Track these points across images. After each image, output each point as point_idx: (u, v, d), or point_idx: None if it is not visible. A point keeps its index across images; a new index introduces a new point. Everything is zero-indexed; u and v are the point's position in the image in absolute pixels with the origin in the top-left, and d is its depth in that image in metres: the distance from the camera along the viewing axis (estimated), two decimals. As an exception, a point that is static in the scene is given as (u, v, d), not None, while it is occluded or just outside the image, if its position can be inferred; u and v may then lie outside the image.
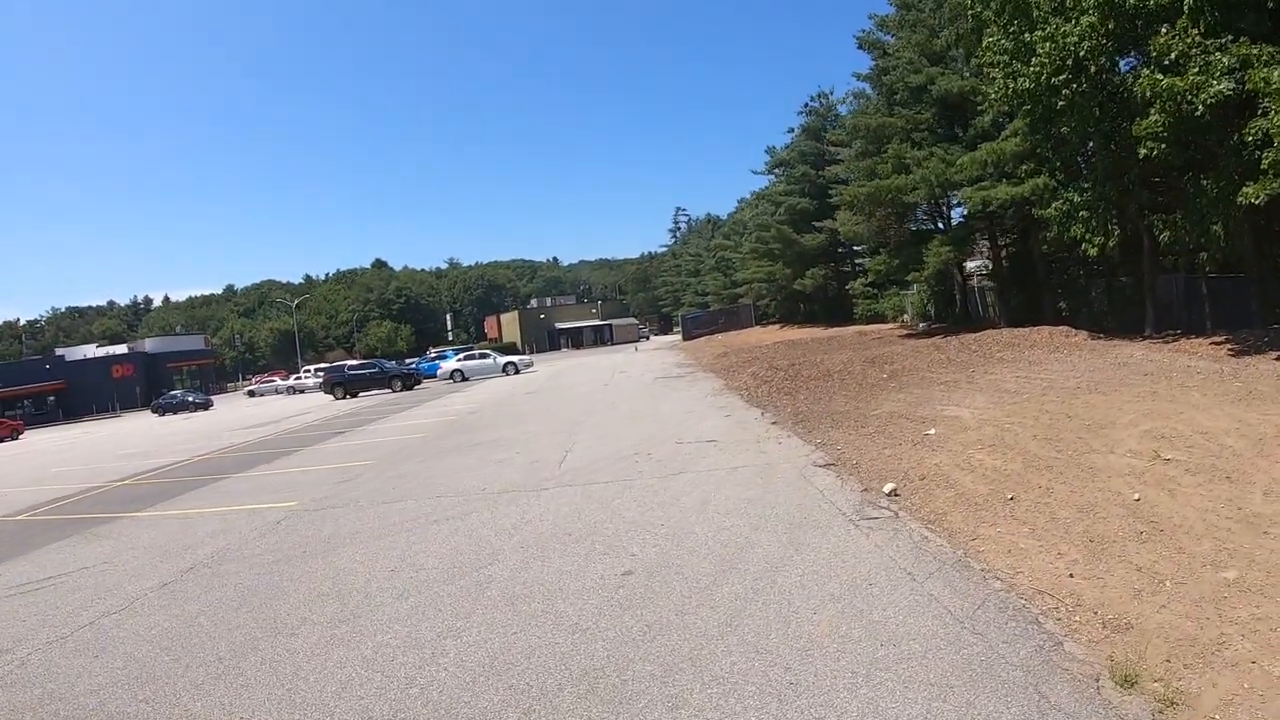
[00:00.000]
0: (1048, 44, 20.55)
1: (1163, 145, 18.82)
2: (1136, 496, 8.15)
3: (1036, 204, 26.52)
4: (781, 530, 8.43)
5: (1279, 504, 7.60)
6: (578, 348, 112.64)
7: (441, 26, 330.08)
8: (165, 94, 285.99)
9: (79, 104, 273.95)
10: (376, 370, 52.67)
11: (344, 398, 49.55)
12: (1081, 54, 20.12)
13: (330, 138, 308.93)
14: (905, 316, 47.33)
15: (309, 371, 78.85)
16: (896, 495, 9.42)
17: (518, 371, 52.69)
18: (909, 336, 35.89)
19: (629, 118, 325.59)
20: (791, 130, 68.57)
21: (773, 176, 71.86)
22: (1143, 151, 19.26)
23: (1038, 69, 20.98)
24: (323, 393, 55.12)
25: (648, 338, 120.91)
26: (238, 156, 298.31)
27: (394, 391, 49.16)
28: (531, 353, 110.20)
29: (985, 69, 25.12)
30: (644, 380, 32.51)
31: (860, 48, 39.59)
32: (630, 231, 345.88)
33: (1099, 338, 24.76)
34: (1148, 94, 18.15)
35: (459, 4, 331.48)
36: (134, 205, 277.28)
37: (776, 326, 70.64)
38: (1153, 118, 18.38)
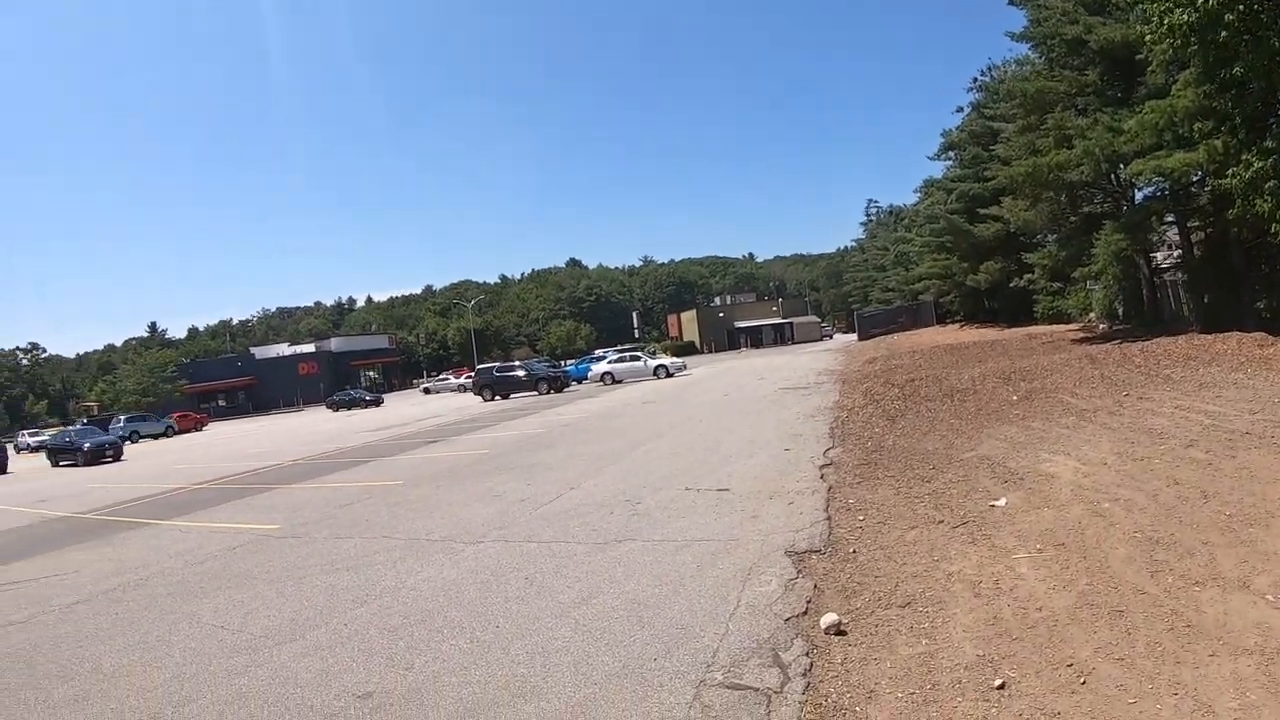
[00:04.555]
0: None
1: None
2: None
3: (1215, 173, 21.01)
4: (595, 680, 5.79)
5: None
6: (756, 347, 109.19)
7: (636, 27, 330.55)
8: (360, 108, 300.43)
9: (295, 113, 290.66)
10: (524, 373, 51.97)
11: (492, 399, 49.62)
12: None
13: (528, 140, 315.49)
14: (1091, 315, 41.32)
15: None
16: (839, 633, 6.12)
17: (669, 375, 50.31)
18: (1082, 341, 30.24)
19: (825, 104, 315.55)
20: (961, 109, 62.61)
21: (946, 161, 65.40)
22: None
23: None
24: (472, 394, 55.56)
25: (831, 336, 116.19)
26: (439, 163, 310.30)
27: (540, 394, 48.61)
28: (711, 351, 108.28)
29: (1143, 4, 19.92)
30: (767, 391, 29.32)
31: (1011, 2, 33.45)
32: (826, 226, 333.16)
33: (1311, 349, 18.96)
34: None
35: (649, 8, 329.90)
36: (342, 211, 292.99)
37: (957, 326, 64.52)
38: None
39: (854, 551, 8.08)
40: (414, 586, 8.94)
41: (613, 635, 6.58)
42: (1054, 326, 42.47)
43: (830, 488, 11.23)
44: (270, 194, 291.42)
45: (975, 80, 56.05)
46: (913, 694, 4.99)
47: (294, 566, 10.65)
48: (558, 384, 50.09)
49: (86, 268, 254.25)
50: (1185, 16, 16.97)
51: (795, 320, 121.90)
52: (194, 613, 8.96)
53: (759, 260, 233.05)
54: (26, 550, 14.93)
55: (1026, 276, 43.92)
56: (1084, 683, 4.84)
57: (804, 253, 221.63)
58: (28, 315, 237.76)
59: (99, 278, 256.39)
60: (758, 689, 5.28)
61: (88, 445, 39.74)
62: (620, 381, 50.54)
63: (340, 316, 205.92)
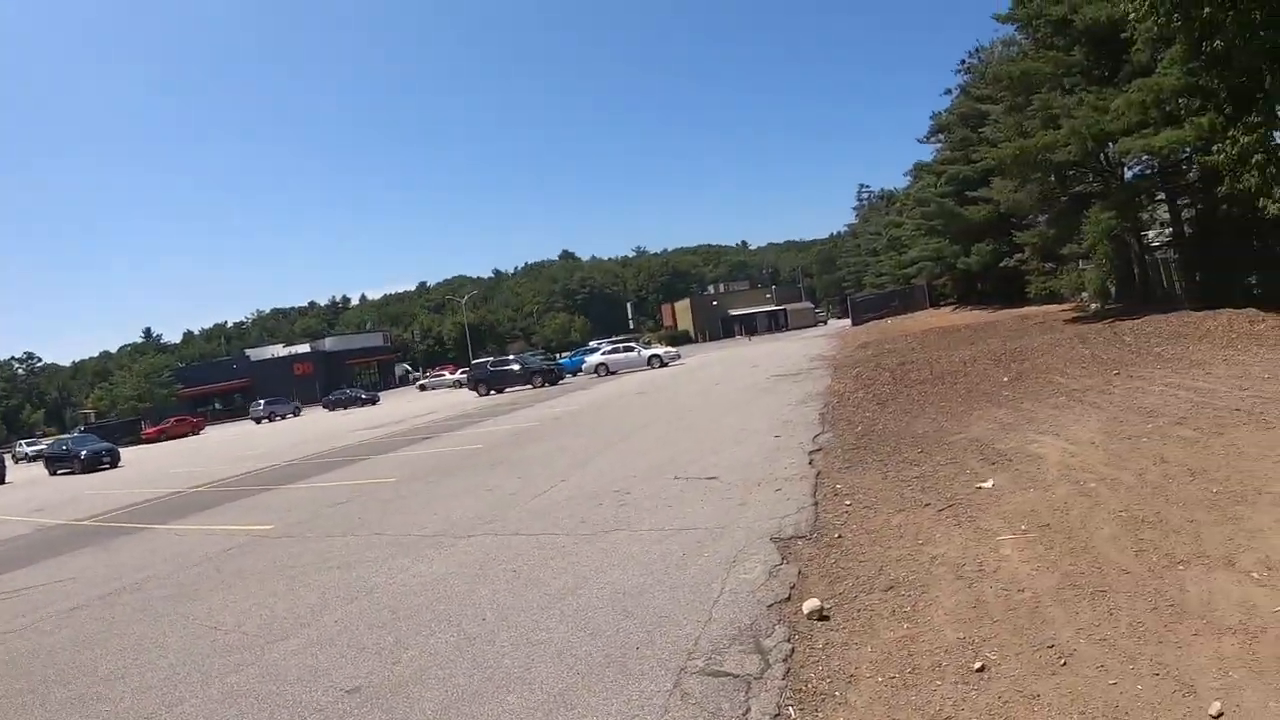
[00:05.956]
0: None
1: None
2: (1218, 710, 3.99)
3: (1202, 150, 20.88)
4: (578, 670, 5.80)
5: None
6: (751, 334, 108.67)
7: (615, 25, 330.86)
8: (351, 104, 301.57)
9: (280, 122, 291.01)
10: (519, 367, 51.29)
11: (487, 394, 49.07)
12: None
13: (517, 137, 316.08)
14: (1084, 295, 41.09)
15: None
16: (822, 618, 5.97)
17: (663, 364, 49.93)
18: (1074, 320, 29.75)
19: (814, 90, 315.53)
20: (949, 92, 62.57)
21: (936, 144, 65.16)
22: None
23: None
24: (467, 389, 54.76)
25: (825, 322, 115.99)
26: (429, 160, 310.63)
27: (534, 387, 47.89)
28: (706, 340, 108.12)
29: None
30: (759, 379, 28.79)
31: (997, -17, 33.47)
32: (818, 211, 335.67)
33: (1296, 327, 18.58)
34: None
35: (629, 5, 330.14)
36: (335, 210, 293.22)
37: (950, 308, 64.18)
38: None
39: (840, 537, 7.86)
40: (403, 582, 8.96)
41: (596, 625, 6.55)
42: (1046, 307, 42.03)
43: (819, 473, 11.00)
44: (263, 195, 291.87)
45: (963, 62, 56.39)
46: (893, 678, 4.86)
47: (286, 566, 10.76)
48: (552, 377, 49.59)
49: (79, 277, 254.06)
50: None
51: (789, 307, 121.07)
52: (188, 614, 9.08)
53: (752, 247, 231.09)
54: (25, 559, 15.17)
55: (1017, 257, 43.75)
56: (1064, 664, 4.67)
57: (797, 239, 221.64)
58: (23, 325, 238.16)
59: (92, 286, 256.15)
60: (737, 675, 5.20)
61: (84, 453, 39.61)
62: (615, 373, 49.85)
63: (335, 316, 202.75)
